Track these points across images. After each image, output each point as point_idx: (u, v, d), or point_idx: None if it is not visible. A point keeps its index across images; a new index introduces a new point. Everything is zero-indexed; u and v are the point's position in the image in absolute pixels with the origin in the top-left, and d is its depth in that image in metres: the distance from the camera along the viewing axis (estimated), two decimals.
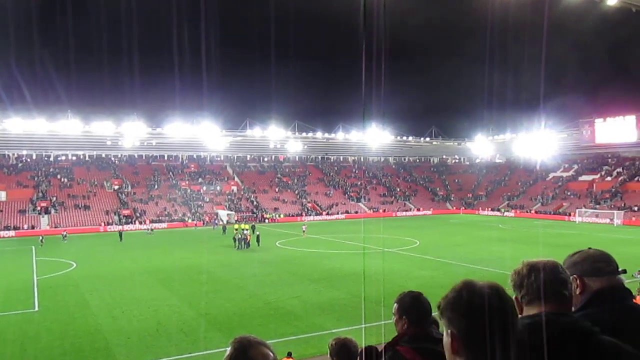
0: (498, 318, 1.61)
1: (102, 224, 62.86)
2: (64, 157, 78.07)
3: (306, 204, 79.61)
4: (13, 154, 74.31)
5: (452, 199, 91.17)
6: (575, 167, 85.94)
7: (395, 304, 3.33)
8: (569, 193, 78.73)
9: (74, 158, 78.99)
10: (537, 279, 2.00)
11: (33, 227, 60.69)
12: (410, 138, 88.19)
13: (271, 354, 1.96)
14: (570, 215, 69.56)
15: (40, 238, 48.90)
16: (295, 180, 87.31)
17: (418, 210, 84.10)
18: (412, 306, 3.21)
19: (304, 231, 53.77)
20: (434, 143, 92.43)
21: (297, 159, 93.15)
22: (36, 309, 24.00)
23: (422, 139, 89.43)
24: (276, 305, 23.39)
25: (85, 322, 20.98)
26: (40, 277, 31.92)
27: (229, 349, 1.97)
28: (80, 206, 66.90)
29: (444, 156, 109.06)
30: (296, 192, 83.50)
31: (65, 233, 53.05)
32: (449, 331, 1.68)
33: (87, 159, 79.48)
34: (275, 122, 74.63)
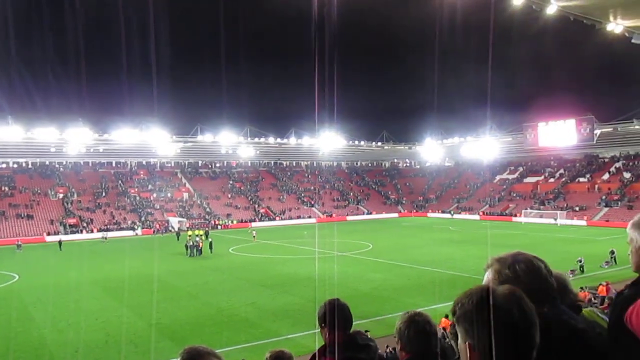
0: (523, 332, 1.53)
1: (46, 233, 60.48)
2: (4, 165, 74.66)
3: (259, 210, 79.16)
4: None
5: (403, 202, 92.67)
6: (520, 169, 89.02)
7: (317, 313, 3.33)
8: (514, 194, 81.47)
9: (15, 166, 75.71)
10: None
11: None
12: (362, 142, 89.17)
13: None
14: (516, 216, 71.96)
15: None
16: (248, 186, 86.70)
17: (370, 213, 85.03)
18: (330, 314, 3.21)
19: (254, 236, 53.52)
20: (385, 147, 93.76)
21: (249, 165, 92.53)
22: None
23: (373, 143, 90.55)
24: (230, 313, 23.13)
25: (29, 336, 20.17)
26: None
27: None
28: (22, 216, 64.15)
29: (395, 160, 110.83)
30: (249, 197, 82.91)
31: (19, 242, 50.92)
32: (467, 343, 1.58)
33: (29, 166, 76.30)
34: (226, 127, 73.95)
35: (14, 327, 21.88)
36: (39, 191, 70.08)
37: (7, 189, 69.12)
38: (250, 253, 44.05)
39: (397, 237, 53.97)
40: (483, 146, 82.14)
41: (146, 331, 20.28)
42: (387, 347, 13.01)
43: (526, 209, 71.82)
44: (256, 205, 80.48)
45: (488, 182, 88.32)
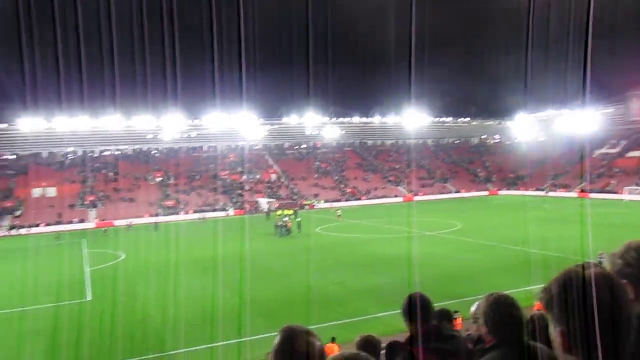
0: (613, 318, 1.47)
1: (148, 215, 64.35)
2: (108, 153, 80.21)
3: (345, 190, 79.63)
4: (60, 152, 76.90)
5: (493, 179, 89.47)
6: (623, 143, 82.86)
7: (401, 307, 3.46)
8: (616, 170, 76.09)
9: (118, 152, 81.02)
10: None
11: (82, 221, 62.91)
12: (449, 119, 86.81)
13: (317, 343, 2.03)
14: (617, 193, 67.30)
15: (105, 229, 53.21)
16: (334, 166, 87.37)
17: (458, 192, 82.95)
18: (410, 307, 3.29)
19: (339, 215, 54.09)
20: (473, 123, 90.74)
21: (334, 145, 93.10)
22: (88, 298, 25.24)
23: (460, 119, 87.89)
24: (318, 292, 23.59)
25: (135, 311, 21.79)
26: (91, 268, 33.26)
27: (277, 338, 2.05)
28: (125, 199, 68.86)
29: (484, 136, 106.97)
30: (335, 177, 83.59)
31: (130, 222, 54.93)
32: (558, 329, 1.55)
33: (130, 153, 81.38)
34: (311, 108, 74.67)
35: (122, 301, 23.67)
36: (139, 176, 74.76)
37: (111, 174, 74.32)
38: (337, 232, 44.55)
39: (486, 216, 52.36)
40: (580, 119, 77.14)
41: (240, 308, 21.19)
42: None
43: (629, 185, 66.91)
44: (342, 185, 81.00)
45: (586, 158, 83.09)
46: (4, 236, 57.91)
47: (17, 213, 63.82)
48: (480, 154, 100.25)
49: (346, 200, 75.20)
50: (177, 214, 66.40)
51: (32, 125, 55.55)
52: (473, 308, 3.69)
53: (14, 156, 74.54)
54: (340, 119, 79.85)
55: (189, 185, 74.65)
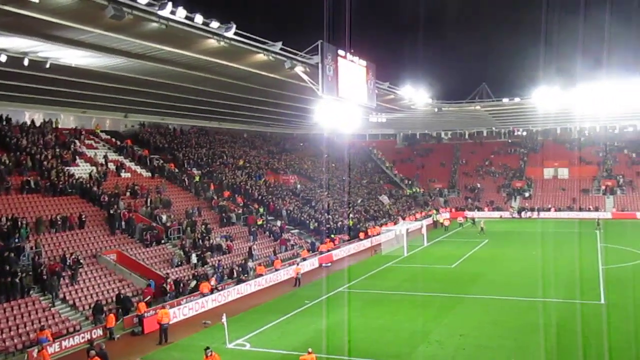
0: None
1: None
2: (631, 129, 70.95)
3: None
4: (576, 127, 72.56)
5: None
6: None
7: None
8: None
9: None
10: None
11: (597, 209, 57.90)
12: None
13: None
14: None
15: None
16: None
17: None
18: None
19: None
20: None
21: None
22: (602, 301, 23.58)
23: None
24: None
25: None
26: (606, 266, 31.00)
27: None
28: None
29: None
30: None
31: None
32: None
33: None
34: None
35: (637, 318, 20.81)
36: None
37: (634, 155, 66.53)
38: None
39: None
40: None
41: None
42: None
43: None
44: None
45: None
46: (514, 218, 58.74)
47: (527, 194, 64.00)
48: None
49: None
50: None
51: (546, 99, 52.26)
52: None
53: (525, 133, 75.09)
54: None
55: None
